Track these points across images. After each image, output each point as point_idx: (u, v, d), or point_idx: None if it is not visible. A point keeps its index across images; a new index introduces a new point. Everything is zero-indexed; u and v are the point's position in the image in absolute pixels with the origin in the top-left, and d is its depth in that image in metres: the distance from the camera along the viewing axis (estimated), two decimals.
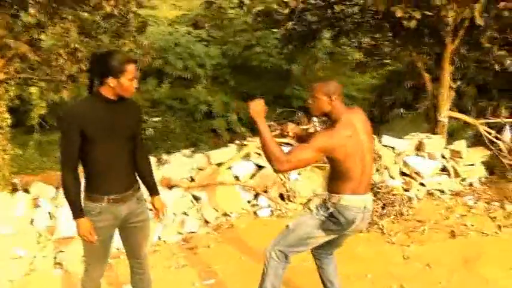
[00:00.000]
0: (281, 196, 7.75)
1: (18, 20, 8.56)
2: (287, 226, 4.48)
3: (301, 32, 11.13)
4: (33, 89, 9.68)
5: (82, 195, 3.91)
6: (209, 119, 17.47)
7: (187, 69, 17.66)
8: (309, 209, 4.42)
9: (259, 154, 8.04)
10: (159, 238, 6.79)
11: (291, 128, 4.69)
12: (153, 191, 4.43)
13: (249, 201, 7.72)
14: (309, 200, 7.46)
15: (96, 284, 4.27)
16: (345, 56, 22.13)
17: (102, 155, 3.82)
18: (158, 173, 7.51)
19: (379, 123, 14.36)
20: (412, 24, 7.68)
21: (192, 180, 7.69)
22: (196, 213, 7.24)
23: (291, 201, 7.65)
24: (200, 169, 7.84)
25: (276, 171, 4.13)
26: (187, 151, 10.65)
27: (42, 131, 15.68)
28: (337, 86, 4.18)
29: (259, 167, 8.02)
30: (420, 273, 5.84)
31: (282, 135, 5.03)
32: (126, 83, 3.71)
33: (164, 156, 11.71)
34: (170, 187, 7.33)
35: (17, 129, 13.21)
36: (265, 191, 7.67)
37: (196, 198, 7.40)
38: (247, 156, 8.13)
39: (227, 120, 17.35)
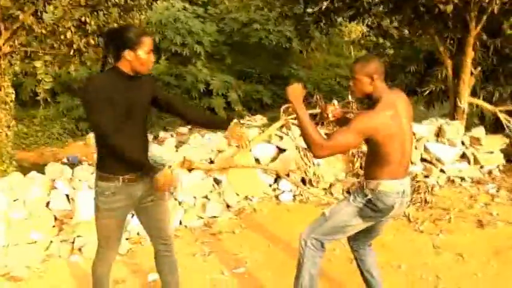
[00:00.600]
0: (303, 180, 7.53)
1: None
2: (323, 213, 4.27)
3: (316, 12, 10.87)
4: (37, 63, 9.39)
5: (94, 174, 3.85)
6: (206, 96, 17.23)
7: (184, 46, 17.35)
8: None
9: (280, 137, 7.83)
10: (180, 223, 6.58)
11: (331, 109, 4.44)
12: (223, 122, 4.27)
13: (270, 185, 7.52)
14: (331, 185, 7.38)
15: (108, 268, 4.14)
16: (340, 36, 22.00)
17: (119, 133, 3.64)
18: (178, 154, 7.28)
19: None
20: (449, 8, 7.49)
21: (212, 162, 7.45)
22: (218, 197, 7.02)
23: (312, 185, 7.44)
24: (220, 151, 7.60)
25: (316, 156, 3.96)
26: (184, 129, 10.41)
27: (36, 106, 15.36)
28: (378, 65, 3.93)
29: (281, 150, 7.80)
30: (454, 264, 5.66)
31: (322, 118, 4.76)
32: (143, 55, 3.62)
33: (161, 134, 11.49)
34: (190, 170, 7.08)
35: None
36: (287, 175, 7.45)
37: (217, 182, 7.17)
38: (268, 139, 7.87)
39: (226, 98, 17.12)
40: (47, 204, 6.40)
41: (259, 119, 8.92)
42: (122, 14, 9.27)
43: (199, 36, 17.70)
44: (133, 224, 6.11)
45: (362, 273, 4.66)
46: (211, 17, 19.49)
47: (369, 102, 4.03)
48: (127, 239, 6.07)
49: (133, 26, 4.40)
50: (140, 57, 3.61)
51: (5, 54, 8.48)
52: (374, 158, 4.01)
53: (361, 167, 7.51)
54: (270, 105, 17.32)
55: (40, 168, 7.15)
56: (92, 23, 8.58)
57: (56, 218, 6.29)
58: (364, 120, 3.82)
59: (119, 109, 3.59)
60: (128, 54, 3.59)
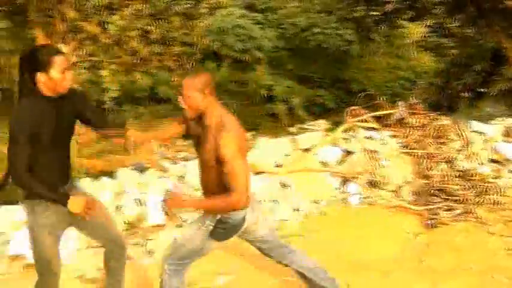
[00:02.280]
0: (370, 183, 7.47)
1: (88, 2, 8.42)
2: (175, 240, 4.29)
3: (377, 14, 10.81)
4: (104, 72, 9.59)
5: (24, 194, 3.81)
6: (268, 102, 17.22)
7: (245, 52, 17.39)
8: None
9: (347, 139, 7.79)
10: None
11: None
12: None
13: (337, 188, 7.46)
14: (399, 188, 7.27)
15: None
16: (400, 38, 21.73)
17: (50, 155, 3.72)
18: None
19: (448, 109, 13.91)
20: None
21: (279, 165, 7.47)
22: (286, 200, 7.00)
23: (380, 188, 7.36)
24: (287, 154, 7.61)
25: (241, 204, 3.79)
26: (248, 135, 10.47)
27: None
28: (207, 79, 3.80)
29: (348, 153, 7.74)
30: None
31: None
32: (56, 75, 3.57)
33: None
34: (258, 173, 7.11)
35: None
36: (355, 178, 7.40)
37: (284, 185, 7.17)
38: (334, 142, 7.84)
39: (288, 104, 17.09)
40: (118, 208, 6.50)
41: (323, 123, 8.89)
42: (183, 22, 9.38)
43: (259, 42, 17.71)
44: None
45: (301, 275, 4.62)
46: (270, 23, 19.48)
47: (202, 121, 3.89)
48: None
49: (45, 45, 4.30)
50: (53, 78, 3.57)
51: (72, 63, 8.67)
52: (221, 178, 3.81)
53: (427, 169, 7.42)
54: (333, 109, 17.23)
55: (108, 175, 7.27)
56: (157, 31, 8.71)
57: (127, 222, 6.39)
58: (234, 142, 3.70)
59: (43, 138, 3.60)
60: (40, 76, 3.55)
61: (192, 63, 10.38)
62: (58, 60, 3.57)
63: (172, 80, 10.44)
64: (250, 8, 19.93)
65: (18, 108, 3.62)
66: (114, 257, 4.29)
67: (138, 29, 8.79)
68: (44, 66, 3.53)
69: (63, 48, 8.31)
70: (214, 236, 3.99)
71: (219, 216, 3.92)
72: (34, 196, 3.71)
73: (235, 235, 4.10)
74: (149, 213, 6.33)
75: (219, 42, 17.29)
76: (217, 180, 3.82)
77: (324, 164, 7.63)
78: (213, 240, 4.02)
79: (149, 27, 8.70)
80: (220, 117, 3.79)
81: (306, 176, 7.35)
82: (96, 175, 8.42)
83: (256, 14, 19.17)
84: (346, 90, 17.99)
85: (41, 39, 8.15)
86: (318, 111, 17.58)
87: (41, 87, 3.60)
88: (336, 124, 8.86)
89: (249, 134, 9.84)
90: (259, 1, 20.17)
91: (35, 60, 3.56)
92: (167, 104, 11.97)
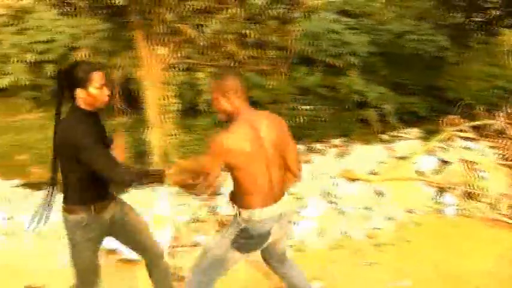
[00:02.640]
0: (467, 194, 7.28)
1: (185, 5, 8.53)
2: (203, 246, 4.21)
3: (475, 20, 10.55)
4: (200, 74, 9.75)
5: (61, 207, 3.90)
6: (360, 108, 17.07)
7: (338, 57, 17.30)
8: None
9: (444, 149, 7.63)
10: (343, 233, 6.51)
11: None
12: None
13: (432, 198, 7.29)
14: (497, 200, 7.06)
15: None
16: (498, 46, 21.19)
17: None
18: (338, 165, 7.28)
19: None
20: None
21: (374, 173, 7.38)
22: (380, 208, 6.91)
23: (477, 200, 7.17)
24: (381, 162, 7.52)
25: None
26: (336, 140, 10.38)
27: (194, 116, 15.82)
28: (232, 82, 3.73)
29: (444, 162, 7.58)
30: None
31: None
32: (94, 91, 3.71)
33: (317, 146, 11.51)
34: (352, 180, 7.05)
35: None
36: (451, 188, 7.23)
37: (379, 193, 7.09)
38: (431, 151, 7.70)
39: (380, 110, 16.90)
40: (213, 209, 6.58)
41: (415, 132, 8.75)
42: (278, 26, 9.41)
43: (352, 48, 17.60)
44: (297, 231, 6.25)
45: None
46: (363, 28, 19.33)
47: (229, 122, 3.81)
48: (290, 246, 6.11)
49: (83, 62, 4.45)
50: (92, 94, 3.71)
51: (170, 65, 8.82)
52: (240, 185, 3.77)
53: None
54: (426, 118, 16.92)
55: None
56: (252, 35, 8.76)
57: (220, 223, 6.44)
58: (217, 143, 3.63)
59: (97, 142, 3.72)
60: (80, 92, 3.69)
61: (286, 68, 10.38)
62: (96, 76, 3.72)
63: (267, 84, 10.46)
64: (344, 13, 19.89)
65: (71, 123, 3.75)
66: (154, 267, 4.35)
67: (234, 33, 8.84)
68: (83, 83, 3.69)
69: (161, 49, 8.47)
70: (237, 245, 3.89)
71: (243, 226, 3.83)
72: (77, 211, 3.81)
73: (259, 248, 4.02)
74: None
75: (314, 47, 17.29)
76: (235, 182, 3.83)
77: (420, 173, 7.51)
78: (236, 251, 3.92)
79: (245, 31, 8.73)
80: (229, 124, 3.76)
81: (401, 184, 7.24)
82: None
83: (349, 19, 19.10)
84: (439, 98, 17.65)
85: (139, 40, 8.29)
86: (409, 119, 17.31)
87: (80, 103, 3.75)
88: (429, 133, 8.71)
89: (339, 140, 9.76)
90: (353, 6, 20.11)
91: (73, 77, 3.70)
92: (261, 107, 12.04)
